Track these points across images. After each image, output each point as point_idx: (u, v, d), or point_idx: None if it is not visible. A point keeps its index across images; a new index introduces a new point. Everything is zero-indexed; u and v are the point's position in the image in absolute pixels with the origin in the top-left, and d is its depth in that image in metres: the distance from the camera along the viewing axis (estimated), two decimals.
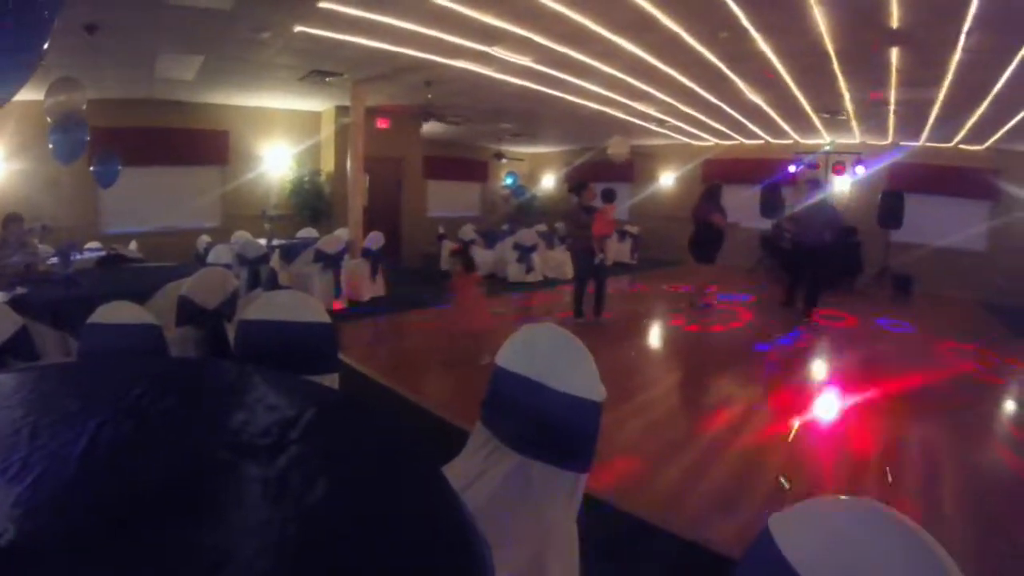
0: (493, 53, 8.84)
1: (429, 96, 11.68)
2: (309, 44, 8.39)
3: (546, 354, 1.65)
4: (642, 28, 7.69)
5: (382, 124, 13.83)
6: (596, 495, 3.43)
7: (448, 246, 13.07)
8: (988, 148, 14.23)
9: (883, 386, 6.62)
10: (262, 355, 1.95)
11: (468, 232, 13.46)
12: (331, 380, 2.02)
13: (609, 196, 9.06)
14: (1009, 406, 6.63)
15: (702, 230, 9.91)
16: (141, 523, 1.15)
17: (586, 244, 8.34)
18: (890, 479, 4.10)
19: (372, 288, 10.07)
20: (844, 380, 6.94)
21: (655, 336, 8.72)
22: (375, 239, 10.19)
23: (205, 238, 10.23)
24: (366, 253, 10.09)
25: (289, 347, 1.98)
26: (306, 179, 13.25)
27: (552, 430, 1.58)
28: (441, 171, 18.03)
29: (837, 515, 0.80)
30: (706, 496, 3.78)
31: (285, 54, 8.93)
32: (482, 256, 12.73)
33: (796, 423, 5.29)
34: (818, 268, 9.68)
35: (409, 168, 15.40)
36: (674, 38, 8.01)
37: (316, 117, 13.93)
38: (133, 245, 9.69)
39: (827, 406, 5.95)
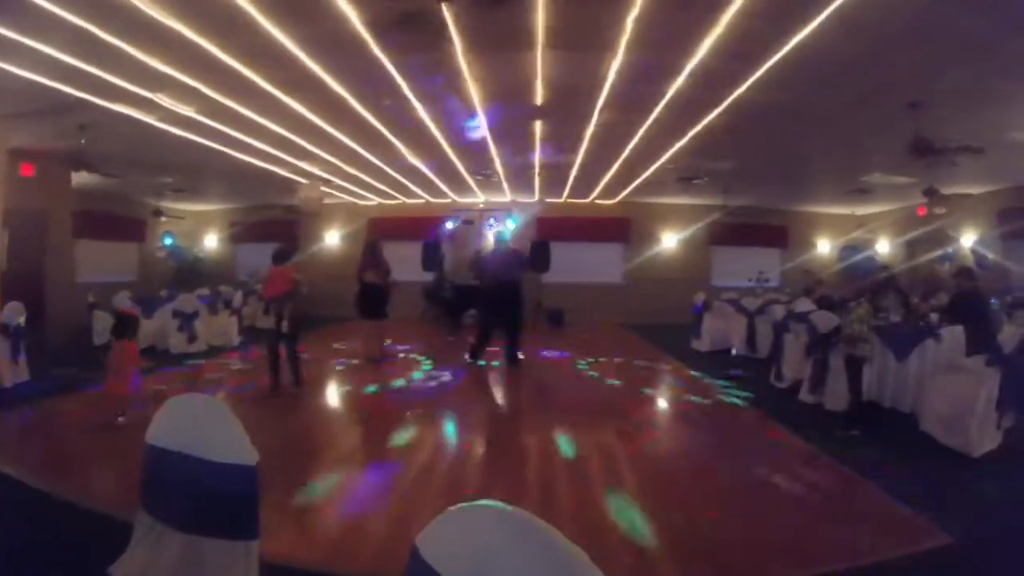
0: (156, 100, 8.25)
1: (83, 141, 10.11)
2: None
3: (194, 425, 1.63)
4: (309, 89, 7.83)
5: (27, 171, 11.35)
6: (306, 566, 3.35)
7: (103, 318, 11.73)
8: (618, 201, 17.63)
9: (558, 403, 7.76)
10: None
11: (123, 299, 11.58)
12: None
13: (278, 257, 8.39)
14: (658, 401, 8.21)
15: (365, 287, 10.13)
16: None
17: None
18: None
19: (14, 371, 8.34)
20: (524, 405, 7.89)
21: (338, 396, 8.55)
22: (16, 311, 8.54)
23: None
24: (5, 329, 8.31)
25: None
26: None
27: (213, 502, 1.56)
28: (93, 229, 15.61)
29: (473, 522, 0.88)
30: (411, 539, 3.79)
31: None
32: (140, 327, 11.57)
33: (488, 448, 5.89)
34: (515, 308, 10.05)
35: (56, 224, 12.93)
36: (340, 101, 8.26)
37: None
38: None
39: (514, 430, 6.62)
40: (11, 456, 5.43)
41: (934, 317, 7.66)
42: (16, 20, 5.94)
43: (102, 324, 11.71)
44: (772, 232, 18.39)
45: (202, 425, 1.63)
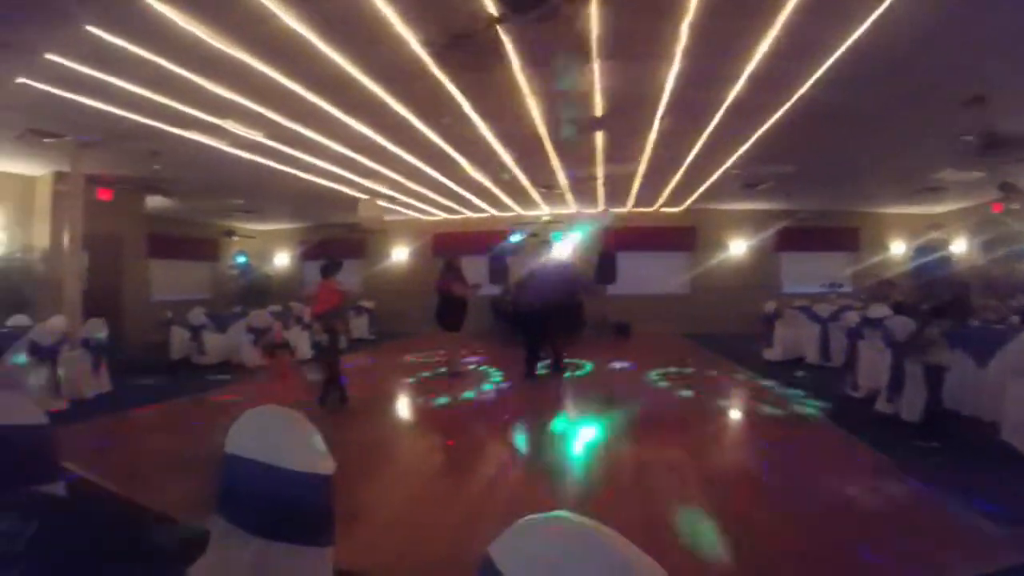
0: (225, 126, 8.59)
1: (157, 167, 10.70)
2: (29, 99, 7.41)
3: (271, 435, 1.68)
4: (371, 110, 8.02)
5: (104, 195, 11.94)
6: (368, 573, 3.38)
7: (179, 333, 12.23)
8: (684, 209, 17.23)
9: (627, 418, 7.52)
10: None
11: (198, 315, 12.32)
12: (55, 490, 1.87)
13: (326, 270, 8.32)
14: (730, 412, 7.99)
15: (445, 301, 10.24)
16: None
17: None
18: None
19: (96, 383, 8.82)
20: (593, 418, 7.62)
21: (405, 408, 8.65)
22: (96, 327, 9.10)
23: None
24: (87, 343, 8.83)
25: (2, 456, 1.81)
26: (16, 257, 11.19)
27: (289, 509, 1.61)
28: (167, 249, 16.39)
29: (547, 533, 0.88)
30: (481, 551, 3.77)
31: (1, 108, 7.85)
32: (214, 341, 12.01)
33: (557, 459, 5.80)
34: (553, 326, 10.45)
35: (131, 246, 13.83)
36: (401, 120, 8.43)
37: (31, 184, 11.86)
38: None
39: (582, 444, 6.47)
40: (94, 463, 5.56)
41: (1015, 319, 7.31)
42: (93, 57, 6.31)
43: (178, 338, 12.23)
44: (842, 235, 17.64)
45: (279, 435, 1.68)
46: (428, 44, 6.07)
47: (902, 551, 3.69)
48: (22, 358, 7.84)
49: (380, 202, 13.83)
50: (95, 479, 5.07)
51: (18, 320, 9.14)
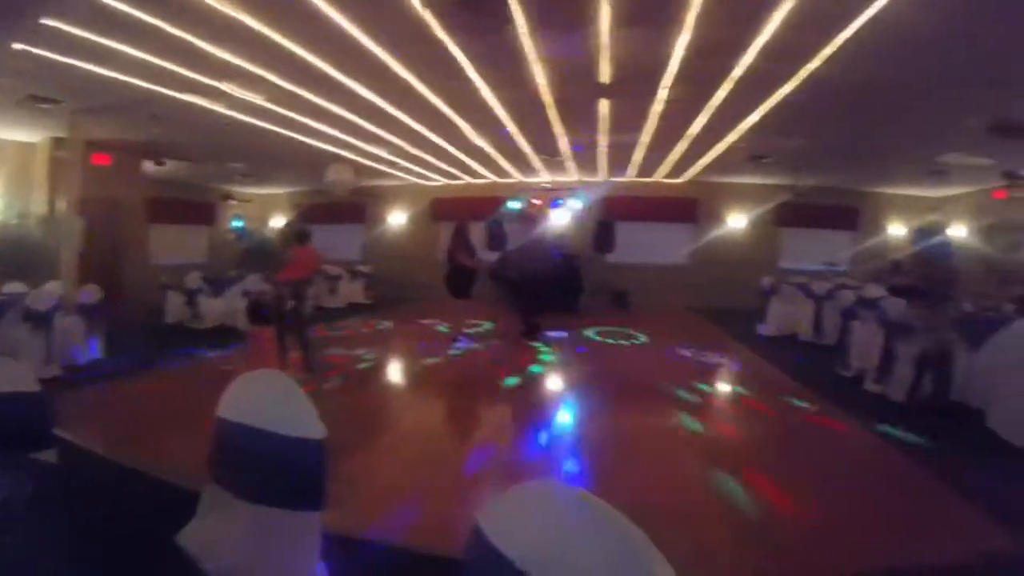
0: (225, 89, 8.50)
1: (156, 131, 10.65)
2: (27, 64, 7.39)
3: (263, 400, 1.66)
4: (375, 74, 7.92)
5: (102, 160, 12.00)
6: (366, 538, 3.40)
7: (174, 298, 12.16)
8: (686, 180, 17.01)
9: (620, 387, 7.62)
10: None
11: (195, 280, 12.27)
12: (47, 457, 1.85)
13: (303, 237, 8.25)
14: (721, 386, 8.07)
15: (452, 268, 10.36)
16: None
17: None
18: None
19: (89, 349, 8.81)
20: (583, 387, 7.72)
21: (397, 373, 8.72)
22: (91, 292, 9.06)
23: None
24: (82, 309, 8.78)
25: None
26: (13, 223, 11.28)
27: (281, 474, 1.60)
28: (165, 214, 16.44)
29: (535, 501, 0.87)
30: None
31: None
32: (209, 305, 11.96)
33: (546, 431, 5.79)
34: (542, 293, 11.04)
35: (129, 211, 13.59)
36: (404, 84, 8.32)
37: (30, 149, 11.89)
38: None
39: (572, 413, 6.51)
40: (85, 428, 5.56)
41: (1009, 308, 7.28)
42: (91, 21, 6.28)
43: (173, 303, 12.17)
44: (842, 213, 17.41)
45: (271, 400, 1.66)
46: (433, 5, 5.97)
47: (880, 525, 3.72)
48: (19, 324, 7.73)
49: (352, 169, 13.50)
50: (87, 445, 5.10)
51: (14, 286, 8.99)
